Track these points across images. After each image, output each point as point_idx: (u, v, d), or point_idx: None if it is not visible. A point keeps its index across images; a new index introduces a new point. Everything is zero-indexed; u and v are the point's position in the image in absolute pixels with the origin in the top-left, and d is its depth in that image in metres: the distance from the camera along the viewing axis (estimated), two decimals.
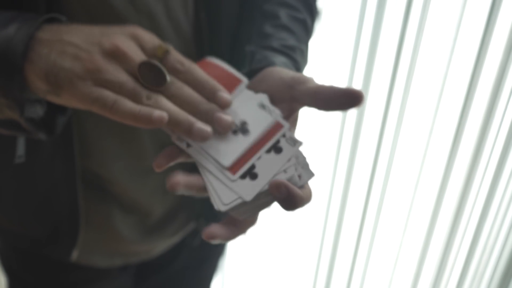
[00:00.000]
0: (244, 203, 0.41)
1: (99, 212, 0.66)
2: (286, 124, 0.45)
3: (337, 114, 1.15)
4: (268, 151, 0.43)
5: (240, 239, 1.32)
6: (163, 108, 0.40)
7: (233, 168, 0.42)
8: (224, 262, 1.43)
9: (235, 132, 0.43)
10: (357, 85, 1.10)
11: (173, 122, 0.40)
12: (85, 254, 0.68)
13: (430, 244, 1.30)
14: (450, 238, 1.28)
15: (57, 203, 0.63)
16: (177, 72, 0.42)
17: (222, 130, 0.42)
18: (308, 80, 0.46)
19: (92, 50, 0.40)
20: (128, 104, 0.39)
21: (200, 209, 0.73)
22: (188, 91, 0.42)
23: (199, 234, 0.77)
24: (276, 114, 0.44)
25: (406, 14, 1.01)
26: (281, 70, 0.49)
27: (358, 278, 1.38)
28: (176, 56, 0.43)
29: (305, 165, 0.43)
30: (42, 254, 0.70)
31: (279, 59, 0.53)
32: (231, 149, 0.42)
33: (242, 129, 0.43)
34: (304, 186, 0.43)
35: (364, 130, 1.15)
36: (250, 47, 0.56)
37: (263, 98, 0.45)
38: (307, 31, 0.62)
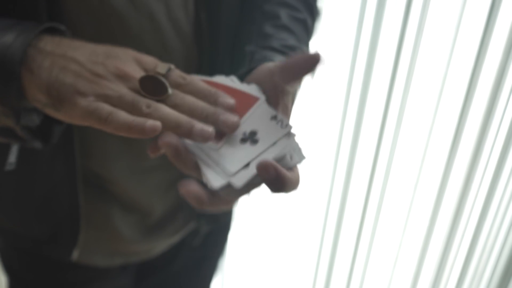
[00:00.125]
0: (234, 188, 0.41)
1: (100, 212, 0.66)
2: (262, 96, 0.45)
3: (337, 114, 1.15)
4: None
5: (240, 240, 1.30)
6: (163, 114, 0.41)
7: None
8: (223, 262, 1.43)
9: (243, 140, 0.43)
10: (357, 85, 1.10)
11: (173, 125, 0.41)
12: (86, 254, 0.68)
13: (429, 244, 1.30)
14: (450, 238, 1.28)
15: (58, 203, 0.63)
16: (179, 86, 0.43)
17: (229, 131, 0.42)
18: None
19: (95, 70, 0.41)
20: (123, 116, 0.39)
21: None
22: (191, 99, 0.43)
23: (199, 234, 0.77)
24: (287, 126, 0.44)
25: (406, 13, 1.01)
26: (271, 63, 0.49)
27: (357, 278, 1.38)
28: (178, 72, 0.44)
29: (297, 148, 0.44)
30: (43, 254, 0.70)
31: (279, 58, 0.53)
32: (238, 156, 0.42)
33: (251, 139, 0.43)
34: (293, 169, 0.44)
35: (364, 129, 1.15)
36: (250, 47, 0.56)
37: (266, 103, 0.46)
38: (308, 31, 0.62)
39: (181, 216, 0.73)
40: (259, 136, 0.43)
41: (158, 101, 0.41)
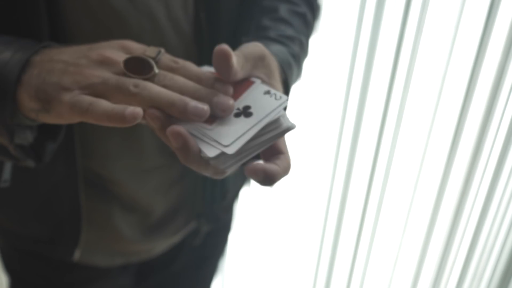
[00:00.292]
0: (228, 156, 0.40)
1: (100, 212, 0.66)
2: (257, 80, 0.45)
3: (336, 114, 1.15)
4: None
5: (240, 240, 1.30)
6: (153, 92, 0.39)
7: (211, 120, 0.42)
8: (224, 263, 1.43)
9: (237, 115, 0.42)
10: (356, 85, 1.10)
11: (166, 103, 0.39)
12: (87, 254, 0.68)
13: (429, 244, 1.30)
14: (450, 238, 1.28)
15: (59, 203, 0.64)
16: (171, 70, 0.42)
17: (223, 113, 0.41)
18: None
19: (79, 62, 0.40)
20: (102, 105, 0.38)
21: (201, 208, 0.73)
22: (181, 79, 0.41)
23: (200, 234, 0.77)
24: (281, 97, 0.43)
25: (405, 13, 1.01)
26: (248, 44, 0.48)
27: (357, 279, 1.38)
28: (169, 56, 0.42)
29: (286, 116, 0.43)
30: (44, 254, 0.70)
31: (275, 47, 0.53)
32: (232, 130, 0.41)
33: (245, 112, 0.42)
34: (283, 154, 0.43)
35: (363, 129, 1.15)
36: (246, 38, 0.55)
37: (262, 83, 0.45)
38: (307, 25, 0.62)
39: (182, 216, 0.73)
40: (252, 110, 0.42)
41: (145, 80, 0.40)
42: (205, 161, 0.40)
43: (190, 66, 0.43)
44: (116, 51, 0.42)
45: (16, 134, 0.44)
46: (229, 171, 0.42)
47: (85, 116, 0.39)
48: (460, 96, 1.09)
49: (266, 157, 0.43)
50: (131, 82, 0.39)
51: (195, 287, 0.88)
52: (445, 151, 1.16)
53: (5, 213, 0.68)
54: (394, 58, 1.06)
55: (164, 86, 0.40)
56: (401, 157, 1.18)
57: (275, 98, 0.43)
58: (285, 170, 0.42)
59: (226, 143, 0.40)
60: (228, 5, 0.59)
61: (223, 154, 0.40)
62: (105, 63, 0.40)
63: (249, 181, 0.84)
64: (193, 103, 0.39)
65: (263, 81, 0.46)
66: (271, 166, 0.41)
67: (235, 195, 0.81)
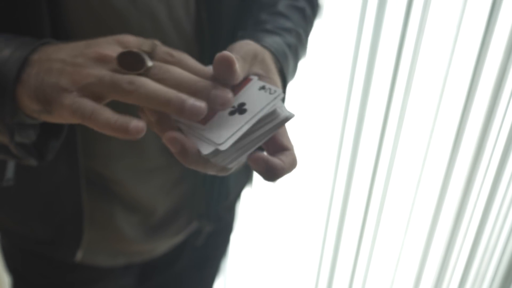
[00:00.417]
0: (222, 152, 0.40)
1: (103, 212, 0.66)
2: (254, 77, 0.45)
3: (338, 115, 1.15)
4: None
5: (242, 242, 1.30)
6: (148, 90, 0.38)
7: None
8: (226, 263, 1.43)
9: (232, 113, 0.42)
10: (358, 86, 1.10)
11: (163, 101, 0.38)
12: (89, 254, 0.68)
13: (431, 245, 1.30)
14: (452, 239, 1.28)
15: (61, 204, 0.64)
16: (167, 63, 0.41)
17: (222, 107, 0.39)
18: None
19: (76, 61, 0.40)
20: (104, 114, 0.37)
21: (203, 208, 0.73)
22: (178, 71, 0.40)
23: (202, 234, 0.77)
24: (275, 91, 0.43)
25: (407, 15, 1.01)
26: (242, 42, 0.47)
27: (359, 280, 1.38)
28: (164, 48, 0.41)
29: (284, 107, 0.43)
30: (47, 255, 0.70)
31: (270, 38, 0.52)
32: (226, 127, 0.40)
33: (239, 109, 0.42)
34: (288, 150, 0.43)
35: (365, 131, 1.15)
36: (242, 33, 0.55)
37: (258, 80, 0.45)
38: (306, 19, 0.62)
39: (184, 216, 0.73)
40: (247, 106, 0.42)
41: (140, 75, 0.39)
42: (205, 160, 0.40)
43: (186, 58, 0.42)
44: (113, 46, 0.41)
45: (17, 133, 0.44)
46: (233, 167, 0.42)
47: (87, 123, 0.38)
48: (462, 97, 1.09)
49: (271, 153, 0.43)
50: (125, 80, 0.38)
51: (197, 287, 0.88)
52: (447, 152, 1.16)
53: (8, 213, 0.69)
54: (396, 59, 1.06)
55: (160, 79, 0.39)
56: (403, 158, 1.18)
57: (270, 93, 0.42)
58: (290, 165, 0.42)
59: (219, 141, 0.39)
60: (229, 5, 0.59)
61: (218, 151, 0.39)
62: (101, 60, 0.40)
63: (251, 182, 0.84)
64: (190, 101, 0.38)
65: (261, 77, 0.46)
66: (274, 159, 0.41)
67: (237, 195, 0.81)
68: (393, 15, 1.02)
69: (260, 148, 0.44)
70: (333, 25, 1.07)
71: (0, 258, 0.84)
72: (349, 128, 1.16)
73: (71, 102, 0.38)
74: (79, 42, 0.42)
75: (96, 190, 0.64)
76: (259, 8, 0.60)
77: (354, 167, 1.20)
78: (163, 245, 0.74)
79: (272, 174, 0.40)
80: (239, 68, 0.42)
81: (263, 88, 0.43)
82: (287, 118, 0.42)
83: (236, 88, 0.44)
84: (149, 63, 0.39)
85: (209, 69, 0.43)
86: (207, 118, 0.41)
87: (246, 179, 0.81)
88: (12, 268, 0.76)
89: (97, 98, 0.39)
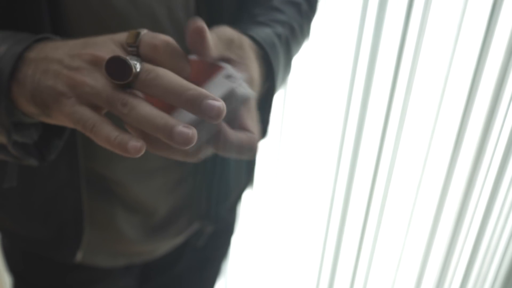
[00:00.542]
0: None
1: (103, 213, 0.66)
2: (227, 66, 0.44)
3: (339, 116, 1.15)
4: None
5: (243, 244, 1.30)
6: (139, 115, 0.37)
7: None
8: (227, 265, 1.43)
9: None
10: (358, 88, 1.10)
11: (152, 128, 0.37)
12: (89, 255, 0.68)
13: (432, 246, 1.30)
14: (453, 240, 1.28)
15: (62, 205, 0.64)
16: (153, 55, 0.40)
17: (211, 120, 0.38)
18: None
19: (72, 64, 0.39)
20: (105, 130, 0.37)
21: (204, 209, 0.73)
22: (166, 78, 0.38)
23: (203, 235, 0.77)
24: (239, 80, 0.42)
25: (407, 16, 1.01)
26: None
27: (361, 281, 1.38)
28: (149, 40, 0.40)
29: (244, 88, 0.43)
30: (47, 256, 0.70)
31: (259, 29, 0.52)
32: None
33: None
34: (248, 130, 0.42)
35: (365, 132, 1.15)
36: (235, 26, 0.54)
37: (229, 68, 0.44)
38: (301, 14, 0.62)
39: (185, 217, 0.73)
40: None
41: (129, 84, 0.38)
42: (171, 146, 0.40)
43: (171, 50, 0.40)
44: (109, 46, 0.40)
45: (17, 132, 0.44)
46: (199, 151, 0.42)
47: (88, 134, 0.38)
48: (463, 98, 1.09)
49: None
50: (119, 100, 0.37)
51: None
52: (448, 153, 1.16)
53: (8, 214, 0.69)
54: (396, 60, 1.06)
55: (149, 87, 0.38)
56: (404, 158, 1.18)
57: (232, 81, 0.42)
58: (248, 144, 0.41)
59: None
60: (229, 6, 0.60)
61: None
62: (97, 64, 0.39)
63: (252, 184, 0.84)
64: (178, 129, 0.36)
65: (236, 62, 0.45)
66: (230, 130, 0.40)
67: (238, 197, 0.81)
68: (394, 16, 1.02)
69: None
70: (334, 26, 1.07)
71: (0, 259, 0.84)
72: (350, 129, 1.16)
73: (72, 111, 0.38)
74: (77, 40, 0.42)
75: (97, 191, 0.64)
76: (254, 4, 0.60)
77: (355, 169, 1.20)
78: (163, 246, 0.74)
79: (223, 139, 0.39)
80: (212, 43, 0.42)
81: (228, 77, 0.43)
82: (244, 97, 0.42)
83: (206, 76, 0.43)
84: (137, 68, 0.38)
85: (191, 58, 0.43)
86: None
87: (246, 181, 0.81)
88: (12, 269, 0.76)
89: (95, 106, 0.39)
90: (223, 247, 0.88)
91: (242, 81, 0.42)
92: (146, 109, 0.37)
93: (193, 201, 0.72)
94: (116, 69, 0.37)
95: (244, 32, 0.50)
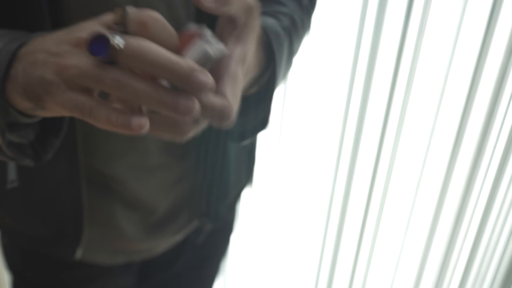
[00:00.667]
0: None
1: (103, 210, 0.66)
2: (207, 32, 0.41)
3: (338, 116, 1.15)
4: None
5: (242, 243, 1.30)
6: (133, 88, 0.36)
7: None
8: (226, 264, 1.43)
9: None
10: (358, 88, 1.10)
11: (150, 99, 0.36)
12: (89, 252, 0.68)
13: (432, 246, 1.30)
14: (452, 240, 1.28)
15: (61, 202, 0.64)
16: (142, 32, 0.38)
17: (199, 93, 0.37)
18: None
19: (59, 50, 0.38)
20: (104, 112, 0.36)
21: (204, 207, 0.73)
22: (153, 52, 0.36)
23: (202, 233, 0.78)
24: (217, 45, 0.41)
25: (407, 16, 1.01)
26: None
27: (359, 280, 1.38)
28: (136, 16, 0.38)
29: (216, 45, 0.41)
30: (46, 253, 0.70)
31: (266, 19, 0.51)
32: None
33: None
34: (217, 95, 0.41)
35: (365, 132, 1.15)
36: None
37: (208, 33, 0.42)
38: (302, 8, 0.62)
39: (184, 214, 0.73)
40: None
41: (114, 60, 0.36)
42: (165, 123, 0.39)
43: (159, 27, 0.39)
44: (95, 28, 0.38)
45: (13, 133, 0.43)
46: (191, 128, 0.40)
47: (87, 120, 0.37)
48: (462, 98, 1.09)
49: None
50: (108, 77, 0.36)
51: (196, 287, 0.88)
52: (448, 153, 1.16)
53: (8, 211, 0.69)
54: (396, 60, 1.06)
55: (134, 61, 0.36)
56: (403, 158, 1.18)
57: (206, 43, 0.40)
58: (220, 109, 0.40)
59: None
60: None
61: None
62: (81, 45, 0.37)
63: (251, 182, 0.84)
64: (183, 102, 0.36)
65: (238, 36, 0.44)
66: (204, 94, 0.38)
67: (237, 195, 0.81)
68: (394, 16, 1.02)
69: None
70: (334, 25, 1.07)
71: (0, 256, 0.84)
72: (350, 129, 1.16)
73: (65, 99, 0.37)
74: (65, 29, 0.41)
75: (96, 188, 0.64)
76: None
77: (355, 168, 1.20)
78: (163, 244, 0.75)
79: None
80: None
81: (203, 40, 0.41)
82: (219, 52, 0.40)
83: (185, 44, 0.41)
84: (120, 43, 0.36)
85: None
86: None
87: (246, 179, 0.82)
88: (11, 266, 0.76)
89: (87, 89, 0.38)
90: (222, 245, 0.88)
91: (215, 40, 0.41)
92: (140, 82, 0.36)
93: (193, 199, 0.72)
94: (98, 46, 0.36)
95: None
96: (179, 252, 0.79)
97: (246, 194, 0.93)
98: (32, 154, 0.47)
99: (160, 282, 0.82)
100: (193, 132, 0.42)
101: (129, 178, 0.65)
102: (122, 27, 0.38)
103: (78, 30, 0.39)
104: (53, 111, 0.40)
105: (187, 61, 0.36)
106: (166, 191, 0.69)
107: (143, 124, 0.36)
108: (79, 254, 0.67)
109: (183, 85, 0.36)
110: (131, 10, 0.38)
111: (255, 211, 1.34)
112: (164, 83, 0.38)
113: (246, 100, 0.48)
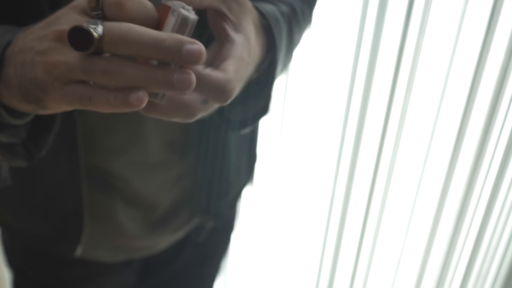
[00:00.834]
0: None
1: (103, 207, 0.66)
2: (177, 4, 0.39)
3: (338, 117, 1.15)
4: None
5: (243, 242, 1.29)
6: (126, 74, 0.35)
7: None
8: (227, 263, 1.43)
9: None
10: (358, 88, 1.10)
11: (145, 81, 0.35)
12: (89, 249, 0.68)
13: (432, 247, 1.30)
14: (453, 240, 1.28)
15: (62, 200, 0.64)
16: (120, 14, 0.36)
17: (194, 64, 0.35)
18: None
19: (42, 48, 0.37)
20: (102, 96, 0.35)
21: (205, 204, 0.73)
22: (136, 33, 0.35)
23: (203, 230, 0.77)
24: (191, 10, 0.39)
25: (407, 16, 1.01)
26: None
27: (360, 281, 1.38)
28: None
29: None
30: (47, 251, 0.70)
31: (265, 5, 0.50)
32: None
33: None
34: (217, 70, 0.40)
35: (365, 133, 1.15)
36: None
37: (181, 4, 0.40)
38: (303, 0, 0.61)
39: (185, 212, 0.73)
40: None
41: (96, 51, 0.35)
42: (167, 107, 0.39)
43: (138, 7, 0.37)
44: (70, 17, 0.37)
45: (5, 132, 0.43)
46: (197, 110, 0.40)
47: (88, 108, 0.37)
48: (463, 99, 1.09)
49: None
50: (97, 68, 0.35)
51: (197, 286, 0.88)
52: (448, 153, 1.16)
53: (8, 209, 0.69)
54: (396, 61, 1.06)
55: (119, 47, 0.35)
56: (404, 159, 1.18)
57: (181, 10, 0.38)
58: (217, 83, 0.39)
59: None
60: None
61: None
62: (63, 39, 0.36)
63: (252, 180, 0.84)
64: (176, 80, 0.35)
65: (230, 21, 0.43)
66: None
67: (238, 193, 0.81)
68: (394, 17, 1.02)
69: None
70: (334, 27, 1.07)
71: (0, 254, 0.84)
72: (350, 129, 1.16)
73: (63, 94, 0.36)
74: (43, 21, 0.39)
75: (97, 185, 0.64)
76: None
77: (355, 169, 1.20)
78: (163, 241, 0.75)
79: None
80: None
81: (176, 10, 0.38)
82: (195, 18, 0.38)
83: (163, 19, 0.39)
84: (99, 32, 0.34)
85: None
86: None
87: (247, 177, 0.82)
88: (12, 263, 0.76)
89: (81, 80, 0.37)
90: (223, 244, 0.88)
91: (186, 6, 0.39)
92: (129, 67, 0.35)
93: (194, 196, 0.72)
94: (79, 39, 0.35)
95: None
96: (180, 250, 0.79)
97: (247, 193, 0.93)
98: (24, 154, 0.46)
99: (161, 280, 0.82)
100: (202, 112, 0.41)
101: (130, 175, 0.65)
102: (100, 12, 0.36)
103: (56, 23, 0.38)
104: (55, 108, 0.39)
105: (172, 35, 0.35)
106: (167, 188, 0.69)
107: (141, 97, 0.35)
108: (79, 251, 0.67)
109: (174, 60, 0.35)
110: None
111: (256, 210, 1.34)
112: (155, 63, 0.36)
113: (247, 86, 0.47)
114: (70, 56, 0.35)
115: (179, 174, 0.69)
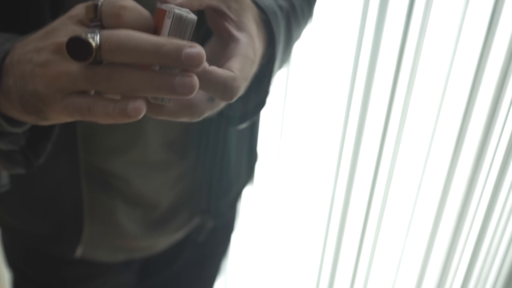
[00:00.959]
0: None
1: (103, 207, 0.66)
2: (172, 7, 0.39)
3: (339, 116, 1.15)
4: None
5: (243, 243, 1.30)
6: (129, 81, 0.35)
7: None
8: (227, 264, 1.43)
9: None
10: (359, 89, 1.10)
11: (149, 89, 0.35)
12: (89, 250, 0.68)
13: (433, 248, 1.30)
14: (454, 242, 1.28)
15: (62, 200, 0.64)
16: (118, 24, 0.36)
17: (195, 68, 0.35)
18: None
19: (41, 59, 0.37)
20: (101, 107, 0.35)
21: (205, 204, 0.73)
22: (135, 40, 0.35)
23: (204, 230, 0.77)
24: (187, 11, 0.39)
25: (408, 16, 1.01)
26: None
27: (360, 281, 1.38)
28: (108, 8, 0.36)
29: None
30: (47, 251, 0.70)
31: (261, 0, 0.50)
32: None
33: None
34: (223, 69, 0.40)
35: (366, 134, 1.15)
36: None
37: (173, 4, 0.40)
38: None
39: (185, 212, 0.73)
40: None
41: (95, 60, 0.35)
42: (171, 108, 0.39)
43: (136, 16, 0.36)
44: (68, 28, 0.37)
45: (4, 139, 0.43)
46: (203, 108, 0.40)
47: (88, 119, 0.37)
48: (463, 100, 1.09)
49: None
50: (101, 77, 0.35)
51: (197, 286, 0.88)
52: (449, 154, 1.16)
53: (8, 209, 0.69)
54: (397, 62, 1.06)
55: (118, 55, 0.35)
56: (405, 159, 1.18)
57: (176, 11, 0.37)
58: (223, 80, 0.39)
59: None
60: None
61: None
62: (62, 51, 0.36)
63: (252, 180, 0.84)
64: (178, 85, 0.34)
65: (230, 20, 0.43)
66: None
67: (238, 193, 0.81)
68: (395, 17, 1.02)
69: None
70: (334, 27, 1.07)
71: (0, 254, 0.84)
72: (351, 129, 1.16)
73: (63, 106, 0.36)
74: (40, 31, 0.39)
75: (97, 185, 0.64)
76: None
77: (355, 170, 1.20)
78: (163, 241, 0.74)
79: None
80: None
81: (172, 12, 0.38)
82: (193, 19, 0.38)
83: (160, 24, 0.39)
84: (97, 41, 0.34)
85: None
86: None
87: (247, 177, 0.81)
88: (12, 263, 0.76)
89: (82, 91, 0.37)
90: (223, 244, 0.88)
91: (182, 8, 0.38)
92: (130, 74, 0.35)
93: (194, 196, 0.72)
94: (78, 50, 0.35)
95: None
96: (180, 251, 0.79)
97: (247, 193, 0.93)
98: (23, 161, 0.46)
99: (161, 281, 0.82)
100: (208, 111, 0.41)
101: (130, 175, 0.65)
102: (97, 23, 0.36)
103: (54, 34, 0.37)
104: (56, 119, 0.39)
105: (170, 40, 0.35)
106: (167, 188, 0.69)
107: (139, 108, 0.35)
108: (79, 251, 0.67)
109: (175, 65, 0.35)
110: (102, 3, 0.36)
111: (257, 210, 1.34)
112: (157, 69, 0.36)
113: None
114: (71, 67, 0.35)
115: (179, 174, 0.69)
